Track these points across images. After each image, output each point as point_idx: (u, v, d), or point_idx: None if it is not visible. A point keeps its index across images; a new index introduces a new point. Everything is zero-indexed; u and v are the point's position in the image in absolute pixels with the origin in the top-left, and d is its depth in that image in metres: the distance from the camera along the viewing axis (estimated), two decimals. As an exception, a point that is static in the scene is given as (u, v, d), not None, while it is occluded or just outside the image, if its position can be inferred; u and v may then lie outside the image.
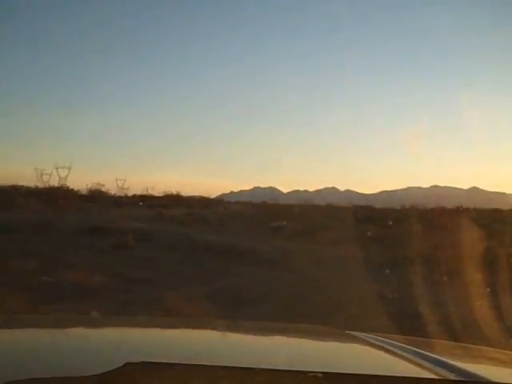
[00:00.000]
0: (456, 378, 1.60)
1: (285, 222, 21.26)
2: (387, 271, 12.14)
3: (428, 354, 1.88)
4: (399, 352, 1.94)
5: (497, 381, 1.59)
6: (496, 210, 20.62)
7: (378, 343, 2.12)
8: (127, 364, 1.39)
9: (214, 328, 2.53)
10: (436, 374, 1.66)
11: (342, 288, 10.53)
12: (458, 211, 21.26)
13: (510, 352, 3.22)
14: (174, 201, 34.56)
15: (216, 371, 1.44)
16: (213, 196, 36.65)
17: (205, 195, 36.75)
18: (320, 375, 1.41)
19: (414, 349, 1.97)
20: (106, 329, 2.40)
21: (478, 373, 1.64)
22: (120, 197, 36.68)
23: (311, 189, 51.90)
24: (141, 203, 32.36)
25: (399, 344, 2.08)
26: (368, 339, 2.23)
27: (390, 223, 19.33)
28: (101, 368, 1.39)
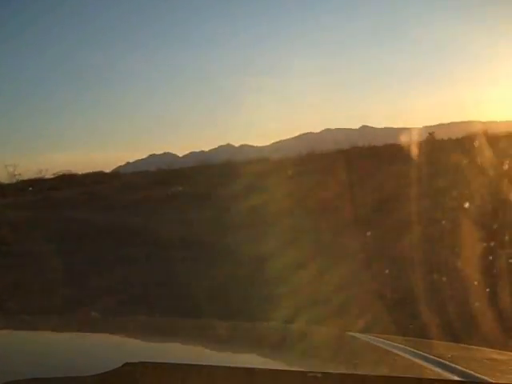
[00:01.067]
0: (456, 379, 1.65)
1: (180, 188, 19.50)
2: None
3: (428, 354, 1.92)
4: (399, 353, 1.98)
5: (496, 381, 1.66)
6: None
7: (378, 344, 2.17)
8: (127, 364, 1.43)
9: (213, 328, 2.52)
10: (436, 374, 1.71)
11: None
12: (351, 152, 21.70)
13: (509, 353, 3.19)
14: (67, 181, 31.55)
15: (216, 371, 1.48)
16: (109, 170, 33.89)
17: (101, 170, 33.73)
18: (320, 375, 1.44)
19: (413, 349, 2.00)
20: (105, 329, 2.35)
21: (477, 374, 1.69)
22: (9, 184, 33.06)
23: (207, 148, 50.30)
24: (30, 188, 29.10)
25: (399, 345, 2.12)
26: (368, 340, 2.27)
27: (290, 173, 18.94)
28: (101, 368, 1.43)
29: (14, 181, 33.97)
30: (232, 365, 1.59)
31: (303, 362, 1.87)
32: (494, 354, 2.57)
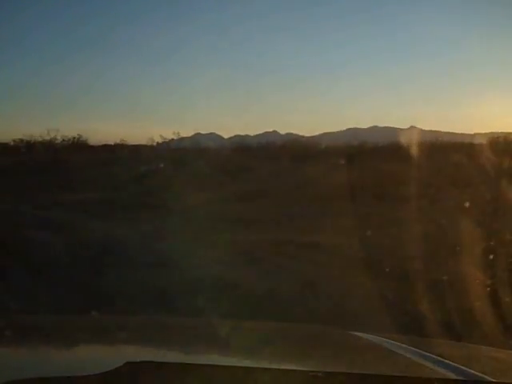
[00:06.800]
0: (456, 378, 1.62)
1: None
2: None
3: (428, 353, 1.87)
4: (399, 352, 1.93)
5: (497, 381, 1.63)
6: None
7: (379, 343, 2.12)
8: (128, 363, 1.39)
9: (213, 328, 2.37)
10: (436, 373, 1.67)
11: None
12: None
13: (509, 352, 3.15)
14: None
15: (216, 371, 1.43)
16: (151, 144, 31.00)
17: (147, 143, 30.85)
18: (320, 375, 1.39)
19: (414, 349, 1.95)
20: (106, 329, 2.26)
21: (477, 372, 1.66)
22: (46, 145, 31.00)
23: (252, 133, 47.66)
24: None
25: (400, 344, 2.06)
26: (368, 339, 2.21)
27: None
28: (101, 368, 1.38)
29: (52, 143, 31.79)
30: (232, 365, 1.55)
31: (304, 362, 1.82)
32: (495, 352, 2.50)
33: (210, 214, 12.13)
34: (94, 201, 15.21)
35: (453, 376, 1.60)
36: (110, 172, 19.98)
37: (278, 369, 1.50)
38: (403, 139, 24.68)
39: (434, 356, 1.83)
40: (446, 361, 1.76)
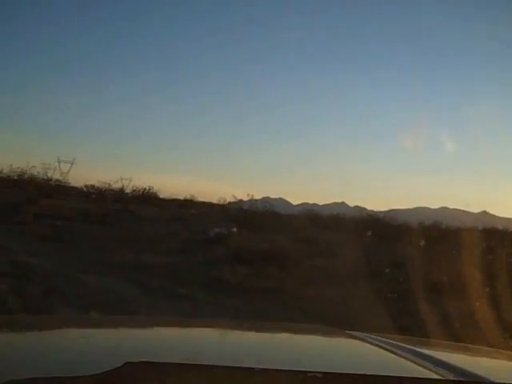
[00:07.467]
0: (456, 378, 1.61)
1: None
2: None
3: (428, 354, 1.87)
4: (399, 352, 1.92)
5: (497, 381, 1.60)
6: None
7: (378, 343, 2.09)
8: (127, 364, 1.36)
9: (214, 328, 2.37)
10: (436, 374, 1.65)
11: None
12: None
13: (509, 352, 3.18)
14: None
15: (216, 371, 1.42)
16: (218, 202, 30.79)
17: (215, 202, 30.82)
18: (320, 375, 1.40)
19: (413, 349, 1.94)
20: (105, 329, 2.25)
21: (477, 373, 1.65)
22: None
23: (321, 202, 46.73)
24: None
25: (399, 344, 2.05)
26: (368, 339, 2.18)
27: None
28: (101, 368, 1.36)
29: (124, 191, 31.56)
30: (232, 365, 1.51)
31: (303, 362, 1.81)
32: (494, 353, 2.46)
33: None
34: (155, 269, 12.94)
35: (452, 376, 1.60)
36: (176, 231, 18.48)
37: (277, 369, 1.47)
38: (478, 223, 22.94)
39: (433, 356, 1.81)
40: (446, 361, 1.74)
